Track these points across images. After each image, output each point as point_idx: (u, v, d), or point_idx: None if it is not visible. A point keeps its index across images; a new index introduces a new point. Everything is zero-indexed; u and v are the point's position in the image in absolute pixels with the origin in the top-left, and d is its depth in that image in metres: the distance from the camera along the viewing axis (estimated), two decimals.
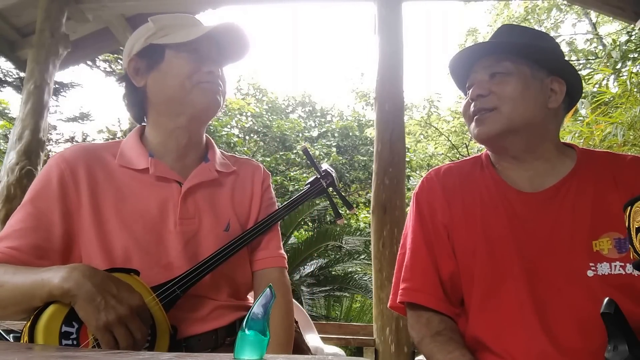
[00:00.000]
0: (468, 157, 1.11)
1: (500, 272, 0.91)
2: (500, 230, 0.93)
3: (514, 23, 9.49)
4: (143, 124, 1.07)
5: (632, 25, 3.32)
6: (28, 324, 0.74)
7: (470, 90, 1.00)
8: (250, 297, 1.12)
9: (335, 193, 1.28)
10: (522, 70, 0.95)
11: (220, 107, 1.01)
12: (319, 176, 1.23)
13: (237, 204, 1.06)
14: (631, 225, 0.70)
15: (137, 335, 0.75)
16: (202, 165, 1.04)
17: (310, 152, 1.24)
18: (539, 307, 0.87)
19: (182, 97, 0.96)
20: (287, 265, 1.10)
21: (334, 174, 1.25)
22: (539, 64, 0.96)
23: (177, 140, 1.01)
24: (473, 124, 0.99)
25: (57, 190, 0.92)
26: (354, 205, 1.33)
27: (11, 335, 0.89)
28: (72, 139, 9.02)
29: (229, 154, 1.16)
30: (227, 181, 1.07)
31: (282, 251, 1.11)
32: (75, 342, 0.75)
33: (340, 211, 1.32)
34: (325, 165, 1.26)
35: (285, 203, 1.14)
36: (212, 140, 1.12)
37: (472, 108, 0.98)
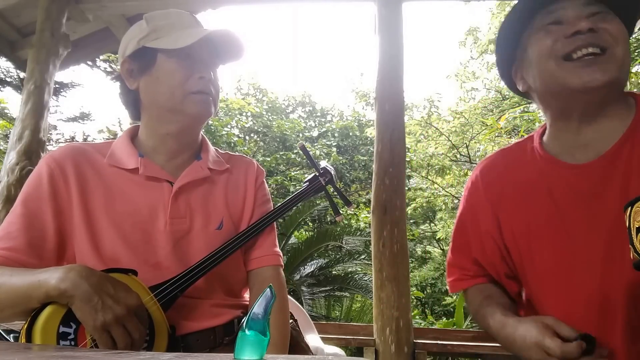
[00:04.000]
0: (516, 142, 1.01)
1: (570, 265, 0.85)
2: (571, 214, 0.85)
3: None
4: (137, 123, 1.07)
5: None
6: (25, 326, 0.74)
7: (566, 27, 0.80)
8: (246, 295, 1.12)
9: (334, 191, 1.28)
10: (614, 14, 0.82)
11: (211, 115, 1.01)
12: (317, 174, 1.22)
13: (231, 202, 1.06)
14: (631, 225, 0.68)
15: (134, 335, 0.75)
16: (194, 163, 1.03)
17: (310, 152, 1.23)
18: (605, 303, 0.80)
19: (172, 105, 0.96)
20: (282, 264, 1.10)
21: (332, 172, 1.24)
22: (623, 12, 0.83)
23: (168, 145, 1.01)
24: (577, 65, 0.78)
25: (48, 189, 0.92)
26: (354, 205, 1.32)
27: (11, 335, 0.90)
28: (72, 139, 9.02)
29: (224, 151, 1.15)
30: (220, 179, 1.07)
31: (278, 249, 1.10)
32: (73, 343, 0.74)
33: (339, 209, 1.31)
34: (323, 163, 1.25)
35: (284, 201, 1.14)
36: (206, 138, 1.12)
37: (576, 43, 0.78)
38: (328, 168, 1.24)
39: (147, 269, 0.91)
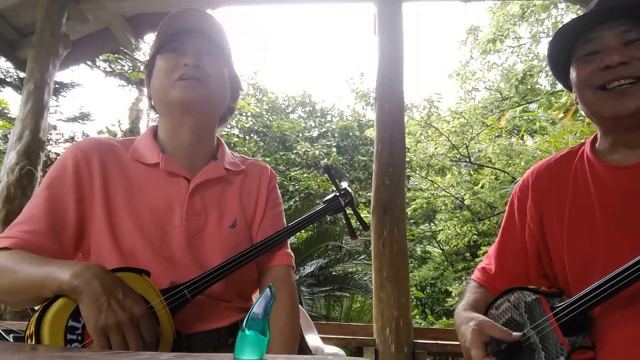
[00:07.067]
0: (570, 147, 1.05)
1: (600, 259, 0.86)
2: (608, 211, 0.88)
3: (511, 21, 9.46)
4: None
5: None
6: (36, 315, 0.74)
7: (601, 57, 0.86)
8: (254, 298, 1.12)
9: (351, 212, 1.25)
10: None
11: (201, 97, 0.99)
12: (338, 194, 1.20)
13: (245, 202, 1.09)
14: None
15: (131, 346, 0.74)
16: (212, 163, 1.06)
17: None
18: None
19: (163, 96, 1.00)
20: (293, 265, 1.11)
21: (352, 194, 1.23)
22: None
23: (181, 137, 1.04)
24: (609, 95, 0.85)
25: (72, 177, 0.94)
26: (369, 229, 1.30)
27: (11, 335, 0.89)
28: (72, 139, 9.02)
29: (239, 155, 1.19)
30: (235, 179, 1.10)
31: (289, 250, 1.12)
32: (80, 338, 0.75)
33: (354, 231, 1.26)
34: (344, 184, 1.24)
35: (301, 217, 1.15)
36: (222, 140, 1.15)
37: (608, 77, 0.84)
38: (348, 189, 1.22)
39: (161, 262, 0.93)
